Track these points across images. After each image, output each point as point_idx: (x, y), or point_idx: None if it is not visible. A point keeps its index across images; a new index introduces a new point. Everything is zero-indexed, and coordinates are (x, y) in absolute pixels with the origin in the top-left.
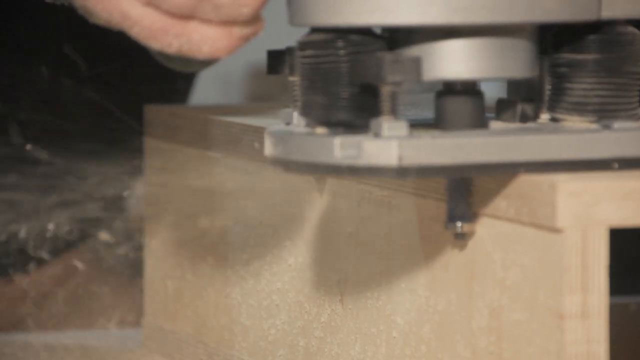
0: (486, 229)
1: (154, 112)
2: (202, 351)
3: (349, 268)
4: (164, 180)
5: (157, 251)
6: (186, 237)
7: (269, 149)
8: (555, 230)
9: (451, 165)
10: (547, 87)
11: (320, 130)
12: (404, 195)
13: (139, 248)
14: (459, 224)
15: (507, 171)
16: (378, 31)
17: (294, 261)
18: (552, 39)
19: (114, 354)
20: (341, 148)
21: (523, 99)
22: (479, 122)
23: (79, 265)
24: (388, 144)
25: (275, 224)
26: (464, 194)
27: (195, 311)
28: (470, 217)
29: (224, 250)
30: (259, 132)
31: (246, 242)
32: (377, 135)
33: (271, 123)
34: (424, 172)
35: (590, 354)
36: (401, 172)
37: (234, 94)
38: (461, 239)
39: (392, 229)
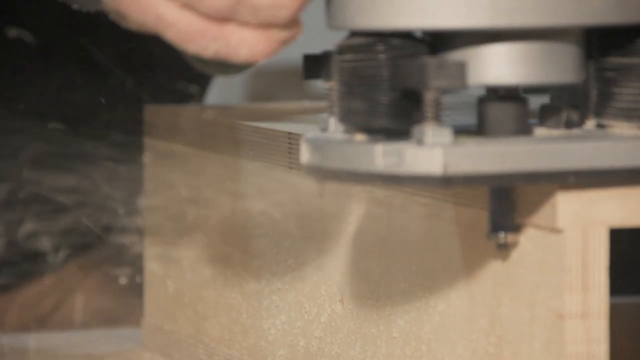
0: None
1: (154, 112)
2: (202, 351)
3: (349, 268)
4: (163, 180)
5: (157, 251)
6: (186, 237)
7: (305, 156)
8: (555, 230)
9: (497, 174)
10: (593, 93)
11: (360, 137)
12: (403, 195)
13: (139, 248)
14: (502, 234)
15: (555, 180)
16: (419, 35)
17: (294, 261)
18: (599, 43)
19: (114, 354)
20: (383, 156)
21: (568, 105)
22: (524, 129)
23: (80, 266)
24: (432, 152)
25: (275, 224)
26: (507, 203)
27: (195, 311)
28: (515, 227)
29: (224, 250)
30: (259, 131)
31: (246, 242)
32: (420, 142)
33: (271, 122)
34: (469, 180)
35: (591, 354)
36: (446, 181)
37: (234, 94)
38: (504, 249)
39: (392, 230)
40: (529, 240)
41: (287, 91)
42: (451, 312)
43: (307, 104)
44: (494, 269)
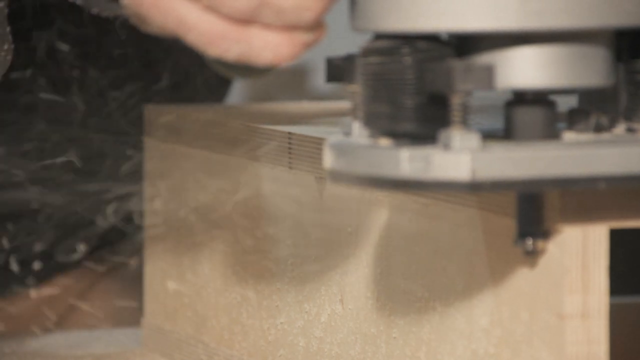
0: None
1: (154, 112)
2: (202, 351)
3: (349, 268)
4: (163, 180)
5: (157, 251)
6: (186, 237)
7: (329, 161)
8: (556, 230)
9: (526, 179)
10: (623, 96)
11: (385, 141)
12: (402, 195)
13: (139, 247)
14: (529, 240)
15: (585, 185)
16: (445, 37)
17: (293, 261)
18: (629, 45)
19: (114, 354)
20: (409, 161)
21: (597, 109)
22: (553, 133)
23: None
24: (460, 157)
25: (275, 224)
26: (535, 209)
27: (195, 311)
28: (543, 233)
29: (224, 250)
30: (258, 131)
31: (245, 242)
32: (447, 147)
33: (271, 123)
34: (498, 186)
35: (591, 354)
36: (474, 186)
37: (234, 94)
38: (532, 256)
39: (391, 229)
40: None
41: (287, 91)
42: (451, 312)
43: (306, 104)
44: (494, 269)
